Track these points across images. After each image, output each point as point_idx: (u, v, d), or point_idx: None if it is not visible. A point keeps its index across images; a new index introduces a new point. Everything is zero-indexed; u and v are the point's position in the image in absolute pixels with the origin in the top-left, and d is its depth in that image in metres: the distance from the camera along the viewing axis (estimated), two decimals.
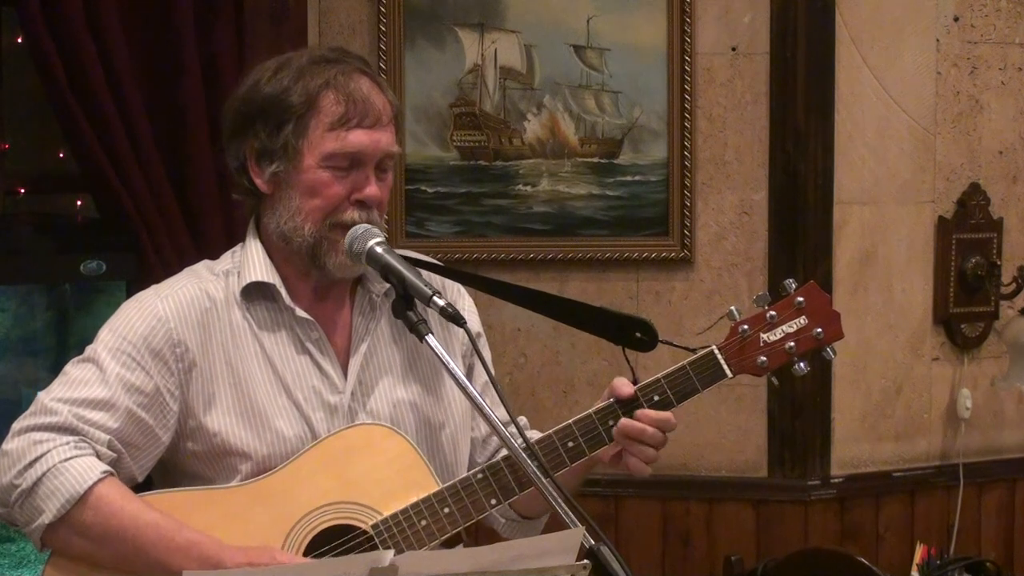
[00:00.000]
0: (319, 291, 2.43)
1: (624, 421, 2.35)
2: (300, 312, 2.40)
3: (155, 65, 3.46)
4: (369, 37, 3.90)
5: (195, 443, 2.37)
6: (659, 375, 2.38)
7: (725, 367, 2.39)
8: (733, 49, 3.85)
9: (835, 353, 2.44)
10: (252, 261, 2.41)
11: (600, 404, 2.40)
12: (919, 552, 3.83)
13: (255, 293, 2.41)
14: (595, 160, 3.89)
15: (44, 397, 2.33)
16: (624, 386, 2.38)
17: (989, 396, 4.06)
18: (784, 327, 2.40)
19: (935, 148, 3.96)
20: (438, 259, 3.80)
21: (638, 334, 2.43)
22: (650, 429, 2.35)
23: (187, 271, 2.47)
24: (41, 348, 3.97)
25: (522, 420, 2.62)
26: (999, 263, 4.01)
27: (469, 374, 2.53)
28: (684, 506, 3.90)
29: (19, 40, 3.55)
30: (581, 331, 3.83)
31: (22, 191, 3.82)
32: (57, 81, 3.29)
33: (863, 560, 3.41)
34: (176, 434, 2.36)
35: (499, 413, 2.49)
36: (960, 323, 4.00)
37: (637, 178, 3.88)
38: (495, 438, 2.59)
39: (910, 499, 3.98)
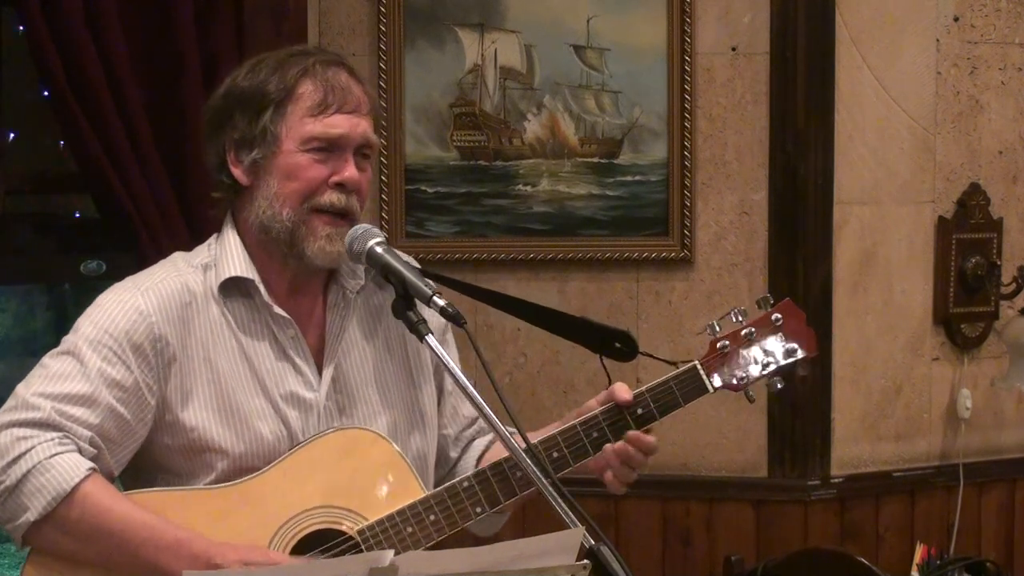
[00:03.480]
0: (294, 286, 2.42)
1: (620, 445, 2.38)
2: (277, 309, 2.39)
3: (155, 65, 3.46)
4: (369, 37, 3.90)
5: (171, 438, 2.35)
6: (643, 388, 2.41)
7: (707, 383, 2.42)
8: (733, 49, 3.85)
9: (807, 370, 2.46)
10: (229, 255, 2.40)
11: (585, 415, 2.41)
12: (919, 552, 3.82)
13: (232, 289, 2.40)
14: (595, 160, 3.89)
15: (24, 392, 2.30)
16: (624, 391, 2.40)
17: (989, 396, 4.06)
18: (762, 344, 2.44)
19: (935, 148, 3.96)
20: (438, 259, 3.84)
21: (618, 344, 2.45)
22: (640, 456, 2.38)
23: (164, 262, 2.45)
24: (41, 348, 3.96)
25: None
26: (999, 263, 4.01)
27: (439, 371, 2.54)
28: (684, 506, 3.90)
29: (19, 39, 3.54)
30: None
31: (22, 191, 3.81)
32: (57, 81, 3.29)
33: (863, 560, 3.41)
34: (152, 428, 2.35)
35: (467, 409, 2.57)
36: (960, 323, 4.00)
37: (637, 178, 3.88)
38: (466, 432, 2.60)
39: (910, 499, 3.98)
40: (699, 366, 2.42)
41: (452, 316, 2.21)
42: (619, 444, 2.38)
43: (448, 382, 2.54)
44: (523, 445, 2.22)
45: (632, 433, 2.38)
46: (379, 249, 2.31)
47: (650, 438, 2.39)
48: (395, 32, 3.88)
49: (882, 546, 3.93)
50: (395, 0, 3.87)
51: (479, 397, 2.23)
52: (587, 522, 2.04)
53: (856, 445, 3.92)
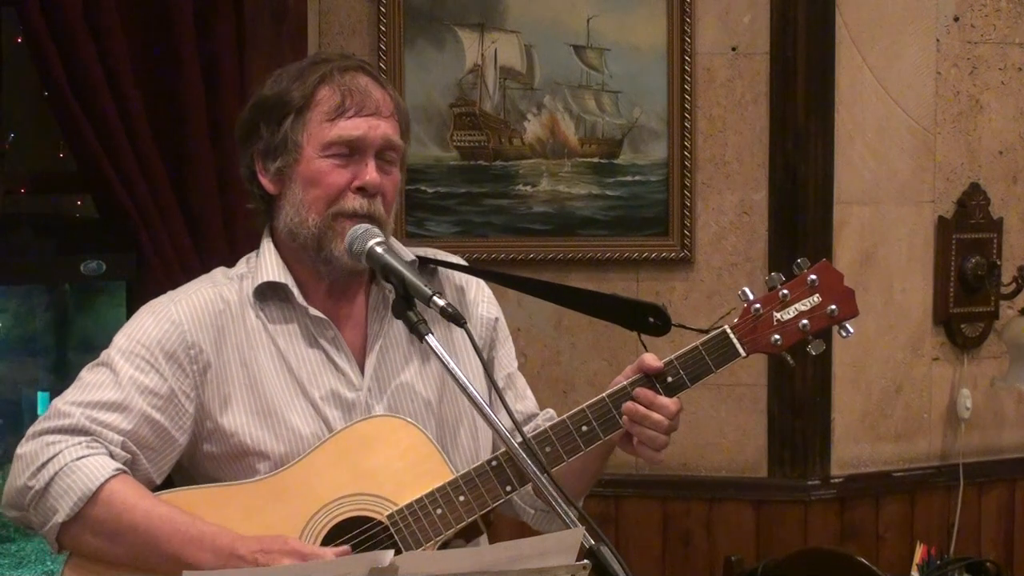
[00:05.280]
0: (333, 290, 2.43)
1: (628, 404, 2.34)
2: (313, 311, 2.40)
3: (155, 65, 3.46)
4: (369, 37, 3.90)
5: (213, 445, 2.37)
6: (672, 356, 2.37)
7: (738, 346, 2.37)
8: (733, 49, 3.86)
9: (852, 330, 2.41)
10: (265, 263, 2.42)
11: (614, 387, 2.39)
12: (919, 552, 3.83)
13: (268, 294, 2.41)
14: (595, 160, 3.89)
15: (57, 402, 2.33)
16: (652, 359, 2.37)
17: (989, 396, 4.07)
18: (797, 305, 2.38)
19: (935, 148, 3.97)
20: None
21: (651, 319, 2.43)
22: (655, 415, 2.33)
23: (202, 277, 2.48)
24: (41, 348, 3.97)
25: (548, 412, 2.62)
26: (999, 263, 4.01)
27: (490, 366, 2.53)
28: (684, 506, 3.90)
29: (19, 40, 3.54)
30: (582, 330, 3.86)
31: (22, 191, 3.81)
32: (57, 81, 3.29)
33: (863, 560, 3.41)
34: (193, 436, 2.37)
35: (523, 405, 2.56)
36: (960, 323, 4.01)
37: (637, 178, 3.88)
38: (527, 427, 2.57)
39: (910, 499, 3.98)
40: (729, 330, 2.37)
41: (452, 316, 2.21)
42: (627, 404, 2.35)
43: (500, 379, 2.54)
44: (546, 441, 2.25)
45: (639, 390, 2.34)
46: (379, 249, 2.31)
47: (664, 399, 2.34)
48: (395, 32, 3.88)
49: (882, 546, 3.93)
50: (395, 0, 3.87)
51: (479, 397, 2.23)
52: (587, 522, 2.04)
53: (856, 445, 3.92)
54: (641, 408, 2.34)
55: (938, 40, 3.94)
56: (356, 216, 2.35)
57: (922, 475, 3.98)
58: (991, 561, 3.84)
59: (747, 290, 2.39)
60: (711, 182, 3.87)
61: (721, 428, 3.89)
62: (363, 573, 1.90)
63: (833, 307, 2.39)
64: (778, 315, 2.38)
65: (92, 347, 2.43)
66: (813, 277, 2.39)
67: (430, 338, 2.23)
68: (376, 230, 2.34)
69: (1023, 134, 4.06)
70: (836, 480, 3.89)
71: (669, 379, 2.36)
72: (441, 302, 2.21)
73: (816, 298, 2.39)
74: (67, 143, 3.45)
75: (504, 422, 2.22)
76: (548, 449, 2.34)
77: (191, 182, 3.48)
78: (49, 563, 3.44)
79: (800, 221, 3.84)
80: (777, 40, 3.83)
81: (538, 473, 2.15)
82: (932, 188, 3.97)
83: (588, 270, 3.90)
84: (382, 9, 3.87)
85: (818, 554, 3.60)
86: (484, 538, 2.39)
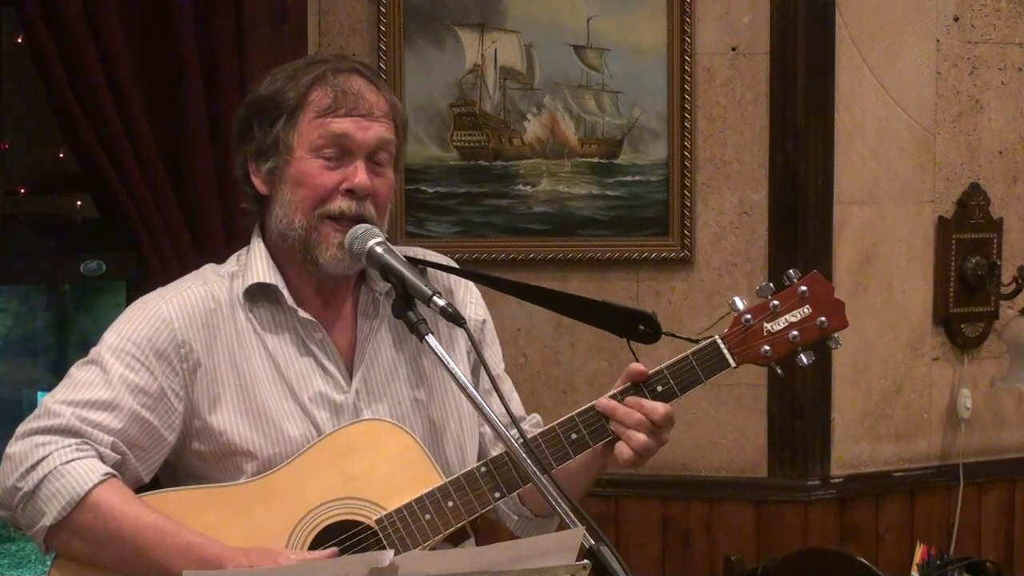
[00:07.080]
0: (322, 291, 2.43)
1: (610, 402, 2.35)
2: (302, 313, 2.40)
3: (155, 65, 3.46)
4: (369, 37, 3.90)
5: (201, 443, 2.37)
6: (662, 365, 2.37)
7: (728, 356, 2.38)
8: (733, 49, 3.86)
9: (840, 343, 2.42)
10: (255, 263, 2.41)
11: (606, 395, 2.39)
12: (919, 552, 3.83)
13: (258, 295, 2.41)
14: (595, 160, 3.89)
15: (48, 400, 2.32)
16: (638, 365, 2.37)
17: (989, 396, 4.06)
18: (788, 316, 2.39)
19: (935, 148, 3.97)
20: None
21: (642, 327, 2.43)
22: (636, 415, 2.33)
23: (193, 274, 2.47)
24: (41, 348, 3.97)
25: (535, 418, 2.62)
26: (999, 263, 4.01)
27: (477, 368, 2.53)
28: (684, 506, 3.90)
29: (19, 40, 3.54)
30: (582, 330, 3.86)
31: (22, 191, 3.82)
32: (57, 81, 3.29)
33: (863, 560, 3.41)
34: (181, 434, 2.37)
35: (511, 406, 2.50)
36: (960, 323, 4.01)
37: (637, 178, 3.88)
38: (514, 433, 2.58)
39: (910, 499, 3.98)
40: (719, 340, 2.37)
41: (452, 316, 2.22)
42: (610, 402, 2.34)
43: (485, 381, 2.52)
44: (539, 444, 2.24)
45: (629, 398, 2.34)
46: (379, 249, 2.31)
47: (651, 402, 2.34)
48: (395, 32, 3.88)
49: (882, 546, 3.93)
50: (395, 0, 3.87)
51: (479, 396, 2.23)
52: (587, 522, 2.04)
53: (856, 445, 3.92)
54: (625, 408, 2.34)
55: (938, 40, 3.94)
56: (343, 218, 2.35)
57: (922, 475, 3.98)
58: (991, 561, 3.84)
59: (737, 300, 2.39)
60: (711, 182, 3.87)
61: (721, 428, 3.89)
62: (363, 573, 1.90)
63: (823, 319, 2.39)
64: (768, 326, 2.39)
65: (92, 347, 2.42)
66: (803, 288, 2.40)
67: (430, 338, 2.24)
68: (376, 230, 2.34)
69: (1023, 134, 4.06)
70: (836, 480, 3.89)
71: (659, 388, 2.37)
72: (441, 302, 2.22)
73: (806, 309, 2.40)
74: (67, 143, 3.45)
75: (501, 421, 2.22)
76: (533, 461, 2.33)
77: (191, 182, 3.48)
78: (49, 563, 3.44)
79: (800, 221, 3.84)
80: (777, 40, 3.83)
81: (536, 471, 2.15)
82: (932, 188, 3.97)
83: (588, 270, 3.90)
84: (382, 9, 3.87)
85: (818, 554, 3.60)
86: (471, 542, 2.39)
